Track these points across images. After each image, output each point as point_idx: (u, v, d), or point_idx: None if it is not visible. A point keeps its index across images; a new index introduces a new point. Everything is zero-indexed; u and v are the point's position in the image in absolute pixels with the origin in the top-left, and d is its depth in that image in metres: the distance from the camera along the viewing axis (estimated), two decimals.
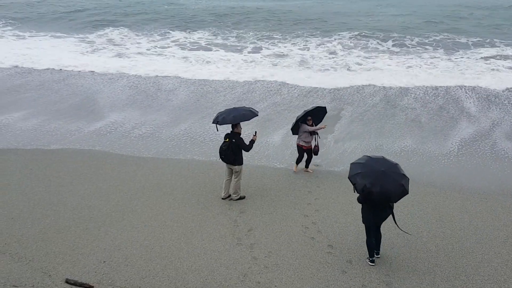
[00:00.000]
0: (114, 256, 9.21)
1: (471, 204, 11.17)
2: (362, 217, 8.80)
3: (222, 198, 11.43)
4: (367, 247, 9.03)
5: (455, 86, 20.43)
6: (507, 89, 19.99)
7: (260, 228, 10.17)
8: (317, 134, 12.64)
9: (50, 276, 8.60)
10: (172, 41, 30.20)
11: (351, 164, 8.72)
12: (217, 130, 11.34)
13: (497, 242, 9.71)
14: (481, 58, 25.12)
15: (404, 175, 8.37)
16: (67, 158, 13.58)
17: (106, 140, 15.05)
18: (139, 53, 27.34)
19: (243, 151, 11.11)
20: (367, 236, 8.99)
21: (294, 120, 12.74)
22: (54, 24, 34.88)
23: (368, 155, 8.92)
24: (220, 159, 11.13)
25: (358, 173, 8.31)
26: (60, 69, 23.61)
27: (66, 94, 20.16)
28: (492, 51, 26.61)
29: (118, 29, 33.31)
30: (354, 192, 8.56)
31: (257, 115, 11.21)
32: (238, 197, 11.37)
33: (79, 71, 23.38)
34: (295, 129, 12.72)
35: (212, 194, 11.61)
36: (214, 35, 31.80)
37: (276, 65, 24.68)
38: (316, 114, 12.73)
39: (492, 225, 10.30)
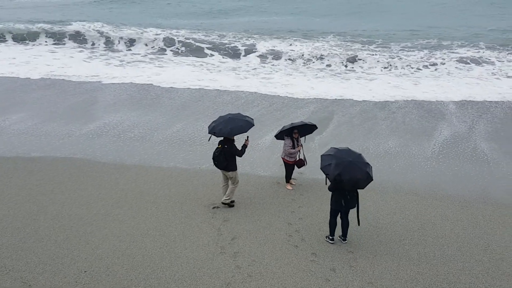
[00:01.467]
0: (95, 266, 9.10)
1: (452, 212, 11.30)
2: (332, 203, 9.74)
3: (223, 203, 11.46)
4: (330, 226, 10.02)
5: (441, 94, 20.76)
6: (488, 98, 20.35)
7: (243, 237, 10.15)
8: (302, 147, 12.40)
9: (30, 286, 8.47)
10: (162, 41, 30.05)
11: (321, 155, 9.68)
12: (209, 140, 11.53)
13: (478, 250, 9.83)
14: (463, 63, 25.54)
15: (367, 163, 9.40)
16: (48, 166, 13.39)
17: (92, 146, 14.85)
18: (140, 61, 27.24)
19: (236, 157, 11.14)
20: (331, 217, 9.94)
21: (283, 127, 12.46)
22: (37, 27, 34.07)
23: (335, 147, 9.93)
24: (214, 165, 11.13)
25: (329, 164, 9.27)
26: (63, 79, 23.24)
27: (65, 98, 20.03)
28: (473, 53, 27.18)
29: (107, 29, 32.75)
30: (326, 183, 9.53)
31: (254, 125, 11.20)
32: (229, 200, 11.37)
33: (81, 81, 23.04)
34: (279, 136, 12.58)
35: (196, 203, 11.55)
36: (194, 32, 31.86)
37: (270, 72, 24.97)
38: (307, 129, 12.54)
39: (473, 233, 10.43)
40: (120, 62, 26.61)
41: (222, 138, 11.02)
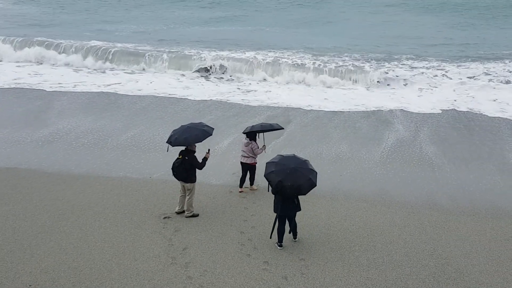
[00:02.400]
0: (40, 280, 8.77)
1: (400, 218, 11.59)
2: (274, 206, 9.95)
3: (176, 212, 11.32)
4: (277, 233, 10.05)
5: (391, 103, 21.36)
6: (434, 106, 21.09)
7: (195, 247, 10.04)
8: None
9: None
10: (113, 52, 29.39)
11: (266, 163, 9.87)
12: (167, 151, 11.40)
13: (425, 255, 10.11)
14: (412, 73, 26.28)
15: (312, 170, 9.60)
16: None
17: (39, 155, 14.39)
18: (107, 68, 27.30)
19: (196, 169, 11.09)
20: (278, 224, 10.00)
21: (252, 126, 12.60)
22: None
23: (281, 154, 10.16)
24: (173, 176, 11.07)
25: (272, 171, 9.47)
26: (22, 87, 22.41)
27: (23, 104, 19.52)
28: (423, 64, 28.13)
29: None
30: (268, 190, 9.84)
31: (211, 135, 11.24)
32: (191, 214, 11.25)
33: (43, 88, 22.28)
34: (250, 134, 12.43)
35: (146, 213, 11.35)
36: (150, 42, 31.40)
37: (225, 80, 25.28)
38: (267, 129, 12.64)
39: (420, 239, 10.72)
40: (88, 70, 26.77)
41: (183, 149, 10.95)
